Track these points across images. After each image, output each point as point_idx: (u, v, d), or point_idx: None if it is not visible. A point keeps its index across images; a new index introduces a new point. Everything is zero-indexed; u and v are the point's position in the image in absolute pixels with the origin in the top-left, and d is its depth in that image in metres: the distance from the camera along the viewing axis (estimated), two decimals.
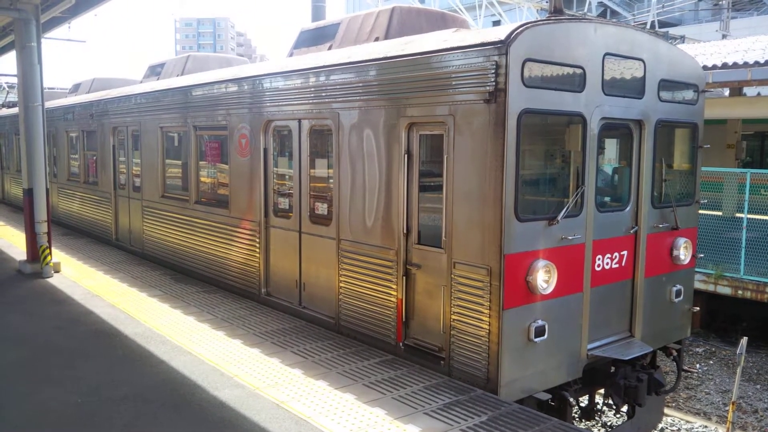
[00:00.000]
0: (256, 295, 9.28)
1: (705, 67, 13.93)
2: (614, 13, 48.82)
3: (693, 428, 9.26)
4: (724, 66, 14.43)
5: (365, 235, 7.33)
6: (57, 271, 11.31)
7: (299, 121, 8.29)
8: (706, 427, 9.32)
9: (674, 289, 7.73)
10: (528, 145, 6.12)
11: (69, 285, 10.44)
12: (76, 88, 18.67)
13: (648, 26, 31.05)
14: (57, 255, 12.23)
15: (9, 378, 6.53)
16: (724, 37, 30.77)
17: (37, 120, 11.15)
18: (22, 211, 13.50)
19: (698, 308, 8.51)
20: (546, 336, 6.19)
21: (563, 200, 6.49)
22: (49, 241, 11.26)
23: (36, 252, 11.22)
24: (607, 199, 7.35)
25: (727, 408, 9.50)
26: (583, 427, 8.46)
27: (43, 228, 11.21)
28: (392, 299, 7.02)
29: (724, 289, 12.73)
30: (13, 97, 27.46)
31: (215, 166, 10.48)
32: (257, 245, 9.11)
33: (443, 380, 6.36)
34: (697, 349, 12.49)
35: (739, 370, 7.64)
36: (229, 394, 6.06)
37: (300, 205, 8.39)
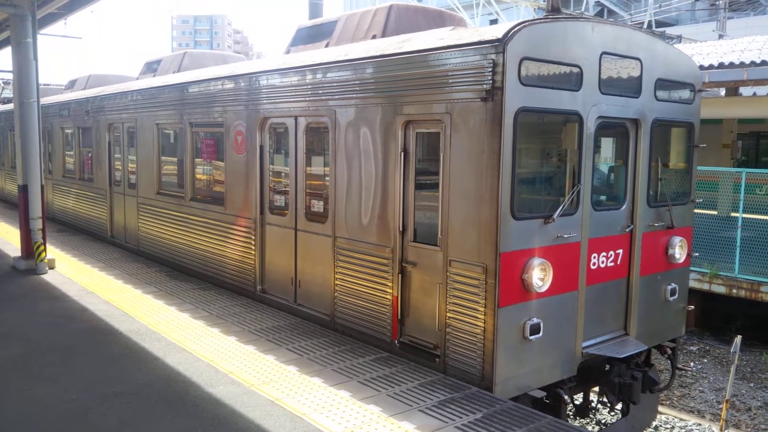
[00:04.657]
0: (251, 292, 9.27)
1: (701, 67, 13.96)
2: (611, 12, 48.82)
3: (687, 426, 9.29)
4: (721, 66, 14.47)
5: (361, 232, 7.33)
6: (52, 268, 11.28)
7: (296, 118, 8.28)
8: (699, 425, 9.35)
9: (669, 287, 7.75)
10: (524, 144, 6.12)
11: (64, 282, 10.41)
12: (71, 85, 18.61)
13: (645, 26, 31.10)
14: (52, 252, 12.20)
15: (3, 374, 6.51)
16: (720, 37, 30.82)
17: (32, 116, 11.11)
18: (16, 207, 13.46)
19: (693, 307, 8.54)
20: (541, 334, 6.20)
21: (559, 199, 6.49)
22: (43, 238, 11.23)
23: (31, 248, 11.19)
24: (603, 197, 7.36)
25: (720, 406, 9.53)
26: (578, 424, 8.48)
27: (37, 224, 11.18)
28: (388, 297, 7.03)
29: (719, 288, 12.78)
30: (8, 93, 27.33)
31: (211, 163, 10.47)
32: (253, 242, 9.10)
33: (438, 378, 6.37)
34: (692, 348, 12.54)
35: (732, 369, 7.67)
36: (223, 390, 6.06)
37: (296, 202, 8.38)
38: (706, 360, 11.99)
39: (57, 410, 5.67)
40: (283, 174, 8.75)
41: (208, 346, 7.32)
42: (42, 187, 11.34)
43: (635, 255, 7.26)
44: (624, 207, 7.22)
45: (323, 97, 7.76)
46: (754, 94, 19.70)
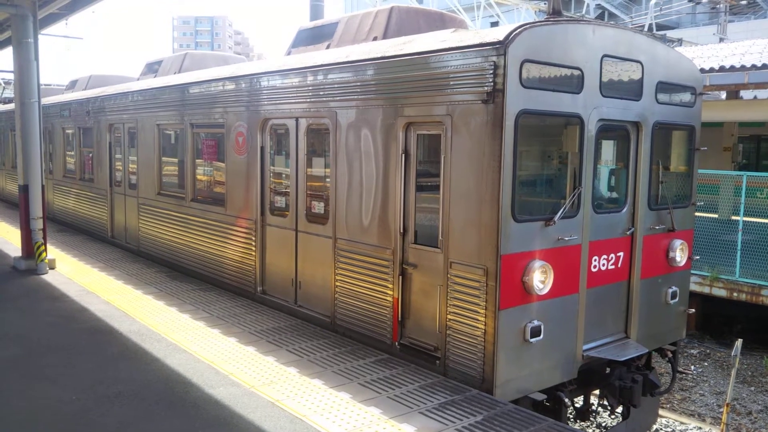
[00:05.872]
0: (251, 293, 9.26)
1: (702, 70, 13.96)
2: (612, 15, 48.88)
3: (687, 429, 9.28)
4: (722, 69, 14.46)
5: (362, 234, 7.33)
6: (52, 268, 11.28)
7: (296, 119, 8.28)
8: (700, 428, 9.35)
9: (670, 290, 7.75)
10: (525, 146, 6.12)
11: (64, 282, 10.40)
12: (72, 85, 18.62)
13: (646, 29, 31.11)
14: (52, 252, 12.19)
15: (3, 375, 6.50)
16: (721, 40, 30.84)
17: (33, 116, 11.12)
18: (17, 207, 13.46)
19: (693, 310, 8.53)
20: (542, 336, 6.20)
21: (560, 201, 6.49)
22: (44, 238, 11.23)
23: (31, 248, 11.18)
24: (603, 200, 7.36)
25: (721, 410, 9.52)
26: (578, 427, 8.47)
27: (38, 224, 11.18)
28: (388, 298, 7.02)
29: (720, 291, 12.76)
30: (9, 93, 27.35)
31: (212, 164, 10.47)
32: (253, 243, 9.10)
33: (438, 380, 6.36)
34: (692, 351, 12.53)
35: (733, 372, 7.66)
36: (224, 392, 6.05)
37: (296, 203, 8.38)
38: (706, 363, 11.98)
39: (56, 411, 5.66)
40: (283, 175, 8.75)
41: (209, 347, 7.31)
42: (42, 187, 11.34)
43: (636, 258, 7.26)
44: (625, 210, 7.21)
45: (324, 99, 7.76)
46: (755, 97, 19.70)
